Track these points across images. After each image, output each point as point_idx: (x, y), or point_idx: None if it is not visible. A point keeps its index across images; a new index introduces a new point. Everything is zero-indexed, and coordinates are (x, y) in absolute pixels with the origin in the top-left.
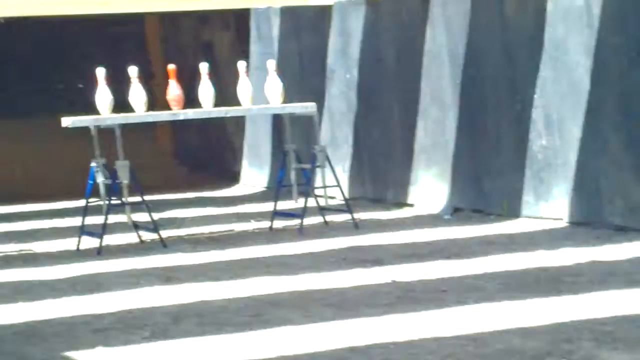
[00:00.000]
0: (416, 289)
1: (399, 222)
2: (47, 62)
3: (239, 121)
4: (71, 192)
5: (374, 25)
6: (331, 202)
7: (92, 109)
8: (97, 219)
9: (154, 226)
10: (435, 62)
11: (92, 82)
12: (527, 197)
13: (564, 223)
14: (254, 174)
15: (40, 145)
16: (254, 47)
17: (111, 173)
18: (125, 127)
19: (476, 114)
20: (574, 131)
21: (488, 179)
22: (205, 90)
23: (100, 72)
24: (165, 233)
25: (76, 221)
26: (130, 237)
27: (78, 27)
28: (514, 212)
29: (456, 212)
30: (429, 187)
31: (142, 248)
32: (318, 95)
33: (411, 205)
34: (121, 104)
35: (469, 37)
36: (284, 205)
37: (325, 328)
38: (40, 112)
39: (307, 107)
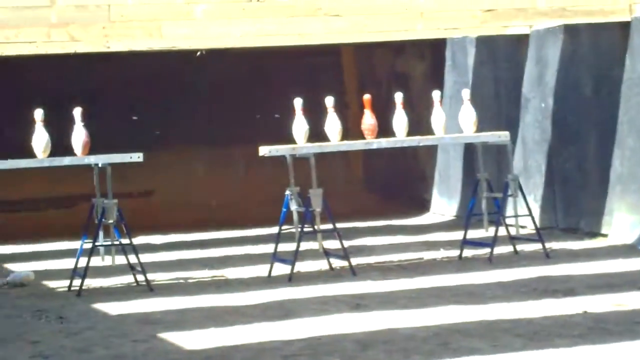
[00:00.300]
0: (609, 320)
1: (591, 252)
2: (245, 93)
3: (431, 149)
4: (265, 220)
5: (572, 54)
6: (522, 231)
7: (285, 138)
8: (289, 246)
9: (345, 254)
10: (634, 90)
11: (289, 112)
12: None
13: None
14: (444, 203)
15: (236, 173)
16: (449, 77)
17: (304, 201)
18: (319, 155)
19: None
20: None
21: None
22: (399, 119)
23: (298, 103)
24: (355, 260)
25: (268, 248)
26: (321, 264)
27: (276, 58)
28: None
29: None
30: (624, 217)
31: (332, 275)
32: (512, 124)
33: (605, 236)
34: (315, 133)
35: None
36: (474, 234)
37: (515, 358)
38: (238, 140)
39: (501, 136)
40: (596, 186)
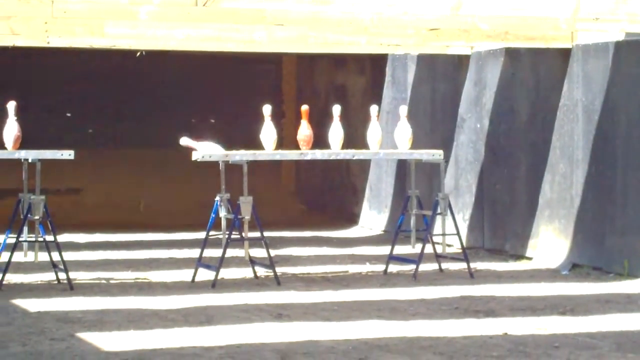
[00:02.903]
0: (527, 343)
1: (515, 274)
2: (183, 96)
3: (364, 163)
4: (192, 224)
5: (511, 77)
6: (449, 250)
7: (220, 143)
8: (215, 252)
9: (270, 263)
10: (569, 117)
11: (225, 118)
12: None
13: None
14: (373, 216)
15: (167, 176)
16: (387, 92)
17: (234, 208)
18: (252, 163)
19: (606, 171)
20: None
21: (611, 236)
22: (335, 132)
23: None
24: (280, 270)
25: (194, 253)
26: (246, 272)
27: (217, 63)
28: (634, 272)
29: (575, 268)
30: (549, 242)
31: (256, 284)
32: (446, 143)
33: (529, 259)
34: (251, 141)
35: (606, 94)
36: (400, 250)
37: None
38: (171, 143)
39: (435, 154)
40: (524, 209)
